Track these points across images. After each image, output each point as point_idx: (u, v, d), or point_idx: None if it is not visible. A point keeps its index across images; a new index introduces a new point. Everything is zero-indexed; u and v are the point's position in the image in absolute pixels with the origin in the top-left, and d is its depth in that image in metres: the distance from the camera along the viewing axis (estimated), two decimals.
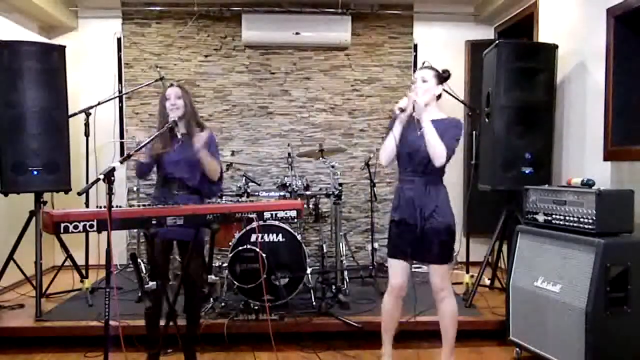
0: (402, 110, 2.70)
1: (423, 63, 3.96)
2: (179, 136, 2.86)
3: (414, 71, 5.09)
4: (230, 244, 3.69)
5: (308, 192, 4.23)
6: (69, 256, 4.16)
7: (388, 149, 2.77)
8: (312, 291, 3.84)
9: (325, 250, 4.34)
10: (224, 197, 3.99)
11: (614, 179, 3.31)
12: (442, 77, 2.80)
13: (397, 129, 2.74)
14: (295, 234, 3.69)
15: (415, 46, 5.36)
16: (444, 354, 2.87)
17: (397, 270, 2.82)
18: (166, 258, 3.01)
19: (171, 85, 3.03)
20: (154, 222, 2.46)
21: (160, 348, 2.86)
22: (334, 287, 3.96)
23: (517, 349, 3.22)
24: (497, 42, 3.84)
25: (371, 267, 4.61)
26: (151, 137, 2.74)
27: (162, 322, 2.82)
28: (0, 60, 3.64)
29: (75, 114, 4.11)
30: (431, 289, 2.82)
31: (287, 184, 4.11)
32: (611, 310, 2.63)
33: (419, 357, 3.32)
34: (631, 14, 3.18)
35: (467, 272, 4.10)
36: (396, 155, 2.77)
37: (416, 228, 2.71)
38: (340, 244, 4.24)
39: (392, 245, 2.84)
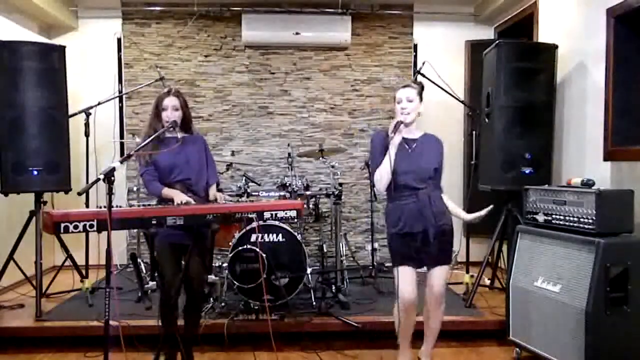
0: (397, 127, 2.69)
1: (423, 63, 4.03)
2: (178, 136, 2.84)
3: (414, 72, 5.09)
4: (230, 244, 3.69)
5: (308, 192, 4.22)
6: (69, 256, 4.16)
7: (385, 176, 2.71)
8: (312, 291, 3.84)
9: (325, 250, 4.35)
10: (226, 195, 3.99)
11: (614, 179, 3.31)
12: (422, 92, 2.82)
13: (393, 154, 2.69)
14: (295, 234, 3.68)
15: (415, 46, 5.36)
16: (427, 350, 2.97)
17: (407, 279, 2.74)
18: (177, 262, 2.91)
19: (169, 91, 2.93)
20: (154, 222, 2.46)
21: (177, 347, 2.83)
22: (334, 287, 3.96)
23: (517, 349, 3.22)
24: (497, 42, 3.84)
25: (371, 267, 4.61)
26: (151, 137, 2.73)
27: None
28: (0, 60, 3.64)
29: (75, 114, 4.11)
30: (430, 291, 2.83)
31: (287, 184, 4.10)
32: (611, 310, 2.63)
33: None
34: (631, 14, 3.18)
35: (467, 272, 4.10)
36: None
37: (424, 236, 2.73)
38: (340, 244, 4.24)
39: (400, 252, 2.78)
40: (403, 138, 2.76)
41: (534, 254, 3.10)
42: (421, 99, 2.79)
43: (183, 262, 2.82)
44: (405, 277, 2.75)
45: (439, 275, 2.81)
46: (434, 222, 2.73)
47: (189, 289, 2.89)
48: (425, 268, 2.86)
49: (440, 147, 2.87)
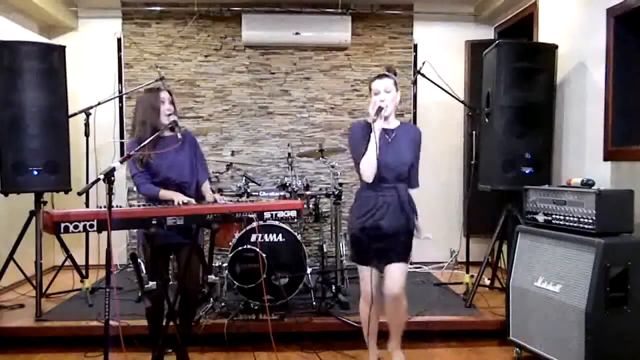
0: (379, 111, 2.71)
1: (423, 63, 4.02)
2: (179, 136, 2.84)
3: (414, 72, 5.10)
4: (230, 244, 3.69)
5: (308, 192, 4.23)
6: (69, 256, 4.15)
7: (373, 165, 2.65)
8: (312, 291, 3.84)
9: (325, 250, 4.34)
10: (224, 196, 3.99)
11: (614, 179, 3.31)
12: (397, 81, 2.81)
13: (374, 142, 2.65)
14: (295, 234, 3.68)
15: (415, 46, 5.36)
16: (395, 345, 2.88)
17: (368, 276, 2.76)
18: (165, 262, 2.96)
19: (161, 88, 3.00)
20: (154, 222, 2.46)
21: (162, 348, 2.85)
22: (334, 287, 3.96)
23: (517, 349, 3.22)
24: (497, 42, 3.84)
25: None
26: (151, 137, 2.72)
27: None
28: (0, 60, 3.64)
29: (75, 114, 4.11)
30: (387, 290, 2.74)
31: (287, 184, 4.11)
32: (611, 310, 2.63)
33: (417, 357, 3.31)
34: (631, 14, 3.19)
35: (467, 272, 4.10)
36: None
37: (392, 233, 2.68)
38: (340, 244, 4.23)
39: (362, 252, 2.76)
40: (382, 128, 2.74)
41: (534, 254, 3.10)
42: (397, 89, 2.78)
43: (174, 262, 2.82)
44: (365, 275, 2.78)
45: (398, 270, 2.70)
46: (404, 222, 2.70)
47: (182, 290, 2.88)
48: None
49: (417, 139, 2.80)
